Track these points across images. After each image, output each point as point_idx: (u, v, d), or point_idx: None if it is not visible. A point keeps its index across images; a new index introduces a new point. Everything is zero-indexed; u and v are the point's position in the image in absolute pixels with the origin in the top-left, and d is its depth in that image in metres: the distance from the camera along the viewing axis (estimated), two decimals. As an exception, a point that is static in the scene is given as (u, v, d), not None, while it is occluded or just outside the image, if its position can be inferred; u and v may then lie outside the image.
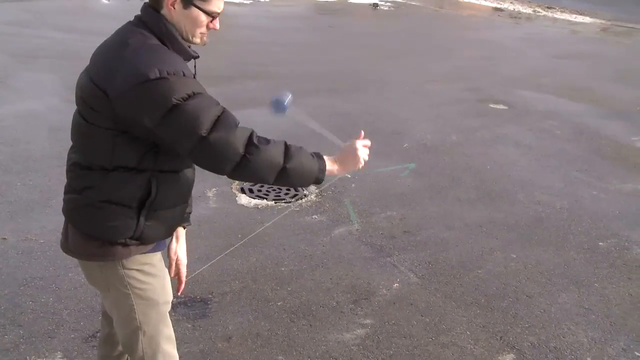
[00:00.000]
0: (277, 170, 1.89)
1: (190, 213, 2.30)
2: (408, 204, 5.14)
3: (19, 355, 3.01)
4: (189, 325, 3.33)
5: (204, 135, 1.79)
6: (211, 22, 1.95)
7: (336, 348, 3.29)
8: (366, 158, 2.15)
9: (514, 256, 4.41)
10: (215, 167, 1.87)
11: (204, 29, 1.95)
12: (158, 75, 1.75)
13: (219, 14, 1.95)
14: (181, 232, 2.33)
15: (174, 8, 1.88)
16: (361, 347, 3.32)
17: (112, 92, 1.80)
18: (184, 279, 2.39)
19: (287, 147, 1.92)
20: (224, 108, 1.87)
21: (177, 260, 2.34)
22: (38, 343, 3.11)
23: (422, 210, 5.05)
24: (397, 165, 5.97)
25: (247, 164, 1.84)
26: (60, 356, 3.03)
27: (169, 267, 2.33)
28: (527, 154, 6.59)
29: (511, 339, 3.49)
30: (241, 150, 1.83)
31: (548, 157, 6.54)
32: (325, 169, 2.02)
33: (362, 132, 2.22)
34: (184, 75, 1.81)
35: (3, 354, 3.01)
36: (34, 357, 3.01)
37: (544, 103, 8.76)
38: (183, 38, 1.94)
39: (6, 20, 11.42)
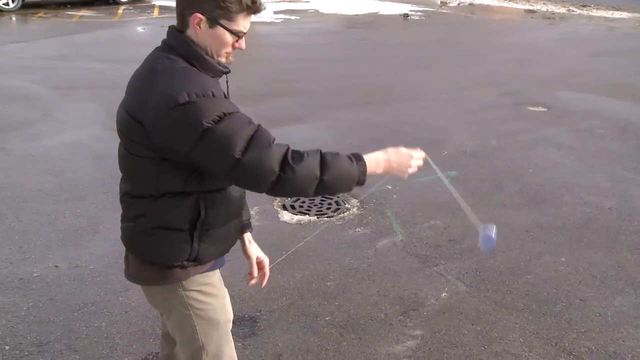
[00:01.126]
0: (315, 184, 1.88)
1: (249, 219, 2.33)
2: (451, 212, 5.08)
3: (76, 380, 3.07)
4: (239, 344, 3.34)
5: (238, 157, 1.78)
6: (237, 41, 1.94)
7: (388, 361, 3.26)
8: (415, 169, 2.11)
9: (564, 259, 4.32)
10: (253, 186, 1.88)
11: (229, 49, 1.94)
12: (187, 99, 1.75)
13: (244, 33, 1.94)
14: (248, 236, 2.35)
15: (200, 27, 1.88)
16: (412, 358, 3.28)
17: (146, 122, 1.81)
18: (267, 272, 2.42)
19: (322, 157, 1.89)
20: (258, 126, 1.85)
21: (256, 259, 2.38)
22: (94, 367, 3.16)
23: (466, 218, 4.92)
24: (438, 174, 5.90)
25: (284, 182, 1.83)
26: (115, 379, 3.08)
27: (250, 268, 2.38)
28: (570, 155, 6.47)
29: (567, 344, 3.40)
30: (277, 169, 1.81)
31: (592, 157, 6.40)
32: (366, 170, 2.00)
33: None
34: (213, 95, 1.80)
35: (61, 379, 3.08)
36: (90, 381, 3.06)
37: (584, 103, 8.60)
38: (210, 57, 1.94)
39: (47, 55, 11.79)
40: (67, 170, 5.88)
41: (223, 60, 1.96)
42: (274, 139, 1.86)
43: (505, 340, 3.44)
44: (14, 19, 16.65)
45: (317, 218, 4.94)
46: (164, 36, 1.99)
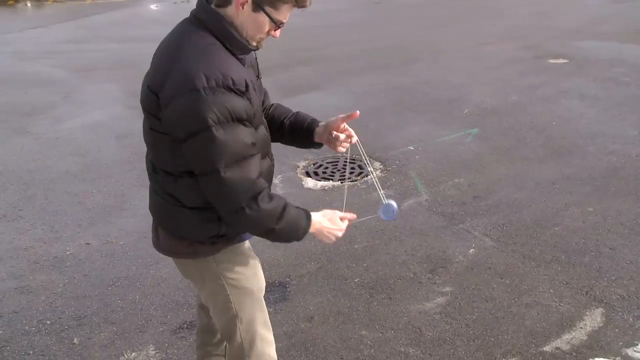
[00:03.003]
0: (264, 230, 1.88)
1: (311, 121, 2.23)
2: (475, 169, 5.06)
3: (116, 350, 3.15)
4: (271, 310, 3.39)
5: (220, 169, 1.74)
6: (274, 30, 1.88)
7: (418, 318, 3.28)
8: (335, 239, 2.07)
9: (592, 209, 4.28)
10: (215, 203, 1.86)
11: (264, 35, 1.88)
12: (206, 84, 1.70)
13: (284, 24, 1.87)
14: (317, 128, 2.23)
15: (242, 8, 1.80)
16: (443, 314, 3.30)
17: (162, 97, 1.78)
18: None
19: (284, 208, 1.87)
20: (255, 152, 1.81)
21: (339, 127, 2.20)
22: (131, 338, 3.24)
23: (490, 174, 4.96)
24: (460, 132, 5.87)
25: (241, 216, 1.81)
26: (152, 349, 3.15)
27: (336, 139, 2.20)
28: (594, 105, 6.35)
29: (598, 293, 3.39)
30: (244, 203, 1.78)
31: (618, 106, 6.28)
32: (307, 232, 1.99)
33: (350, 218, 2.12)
34: (233, 83, 1.73)
35: (102, 349, 3.16)
36: (129, 351, 3.14)
37: (607, 51, 8.41)
38: (241, 36, 1.86)
39: (65, 39, 11.87)
40: (92, 150, 5.96)
41: (254, 44, 1.89)
42: (259, 175, 1.83)
43: (535, 292, 3.44)
44: (29, 5, 16.75)
45: (341, 183, 4.95)
46: (178, 14, 1.90)
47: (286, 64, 8.84)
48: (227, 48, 1.83)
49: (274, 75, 7.84)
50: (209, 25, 1.83)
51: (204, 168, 1.77)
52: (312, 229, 2.00)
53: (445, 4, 13.33)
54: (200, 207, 1.93)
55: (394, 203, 2.18)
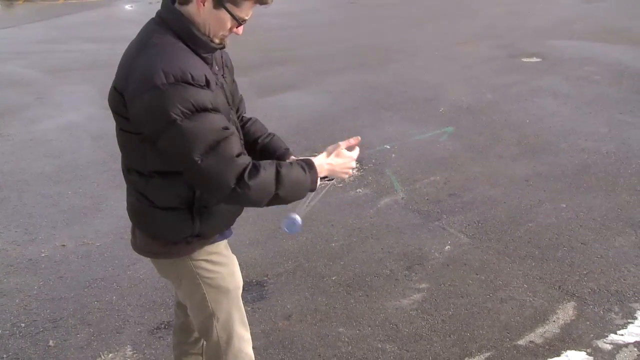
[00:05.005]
0: (269, 198, 1.86)
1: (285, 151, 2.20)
2: (450, 167, 5.11)
3: (93, 351, 3.13)
4: (249, 309, 3.39)
5: (197, 160, 1.74)
6: (236, 27, 1.88)
7: (395, 314, 3.31)
8: (353, 171, 2.05)
9: (564, 206, 4.36)
10: (208, 193, 1.87)
11: (227, 32, 1.88)
12: (164, 80, 1.70)
13: (246, 21, 1.88)
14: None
15: (203, 5, 1.80)
16: (419, 310, 3.34)
17: (126, 96, 1.78)
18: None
19: (278, 173, 1.85)
20: (229, 133, 1.79)
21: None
22: (108, 339, 3.23)
23: (465, 172, 5.01)
24: (435, 131, 5.93)
25: (238, 197, 1.80)
26: (130, 349, 3.14)
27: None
28: (567, 103, 6.46)
29: (570, 287, 3.45)
30: (232, 184, 1.77)
31: (589, 104, 6.39)
32: (317, 178, 1.96)
33: (355, 141, 2.11)
34: (192, 78, 1.73)
35: (79, 351, 3.14)
36: (106, 352, 3.13)
37: (579, 50, 8.55)
38: (203, 34, 1.86)
39: (37, 39, 11.72)
40: (66, 152, 5.90)
41: (217, 41, 1.89)
42: (240, 153, 1.82)
43: (510, 287, 3.49)
44: None
45: (321, 179, 4.96)
46: (154, 13, 1.92)
47: (262, 63, 8.84)
48: (189, 47, 1.83)
49: (249, 75, 7.83)
50: (171, 24, 1.84)
51: (183, 162, 1.77)
52: (323, 173, 1.99)
53: (421, 3, 13.44)
54: (173, 208, 1.93)
55: (298, 218, 2.11)
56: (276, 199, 1.88)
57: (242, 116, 2.24)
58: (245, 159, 1.82)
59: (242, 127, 2.20)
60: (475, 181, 4.83)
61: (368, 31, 10.88)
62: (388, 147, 5.57)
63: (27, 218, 4.59)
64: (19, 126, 6.70)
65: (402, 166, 5.17)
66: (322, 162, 2.00)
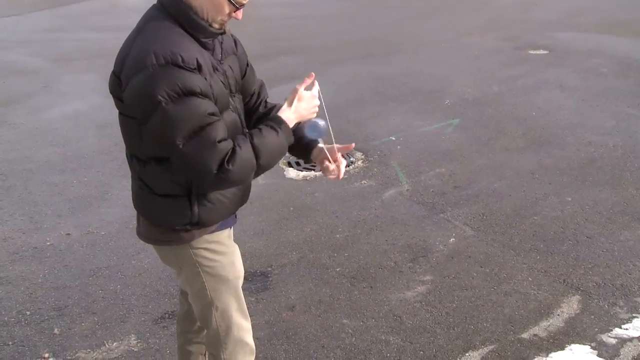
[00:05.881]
0: (253, 172, 1.88)
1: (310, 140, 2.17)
2: (456, 159, 5.10)
3: (97, 340, 3.15)
4: (252, 299, 3.41)
5: (179, 144, 1.74)
6: (235, 11, 1.87)
7: (399, 306, 3.31)
8: (316, 103, 2.03)
9: (570, 199, 4.34)
10: (194, 178, 1.87)
11: (225, 17, 1.88)
12: (154, 61, 1.70)
13: (243, 5, 1.87)
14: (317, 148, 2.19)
15: None
16: (424, 303, 3.34)
17: (122, 79, 1.80)
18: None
19: (252, 145, 1.85)
20: (214, 120, 1.78)
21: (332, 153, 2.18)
22: (112, 328, 3.24)
23: (471, 164, 5.00)
24: (441, 123, 5.91)
25: (219, 181, 1.81)
26: (134, 338, 3.15)
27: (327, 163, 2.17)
28: (573, 96, 6.43)
29: (575, 280, 3.45)
30: (214, 169, 1.77)
31: (596, 97, 6.36)
32: (290, 131, 1.97)
33: (309, 79, 2.05)
34: (182, 61, 1.72)
35: (83, 339, 3.16)
36: (110, 340, 3.14)
37: (586, 42, 8.50)
38: (201, 19, 1.86)
39: (43, 28, 11.70)
40: (72, 140, 5.90)
41: (217, 26, 1.89)
42: (222, 139, 1.79)
43: (514, 280, 3.49)
44: (5, -8, 16.45)
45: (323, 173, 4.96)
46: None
47: (267, 54, 8.80)
48: (187, 32, 1.84)
49: (254, 65, 7.76)
50: (170, 9, 1.85)
51: (166, 146, 1.77)
52: (293, 124, 1.98)
53: (427, -6, 13.36)
54: (170, 195, 1.94)
55: (321, 122, 2.06)
56: (260, 169, 1.90)
57: (266, 101, 2.24)
58: (228, 145, 1.80)
59: (267, 112, 2.18)
60: (481, 174, 4.82)
61: (374, 22, 10.83)
62: (393, 138, 5.56)
63: (32, 206, 4.60)
64: (24, 115, 6.70)
65: (407, 158, 5.16)
66: (288, 115, 1.98)
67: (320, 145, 2.18)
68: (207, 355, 2.41)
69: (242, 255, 2.25)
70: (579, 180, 4.61)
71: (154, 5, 1.92)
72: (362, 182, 4.78)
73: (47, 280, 3.67)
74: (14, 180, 5.06)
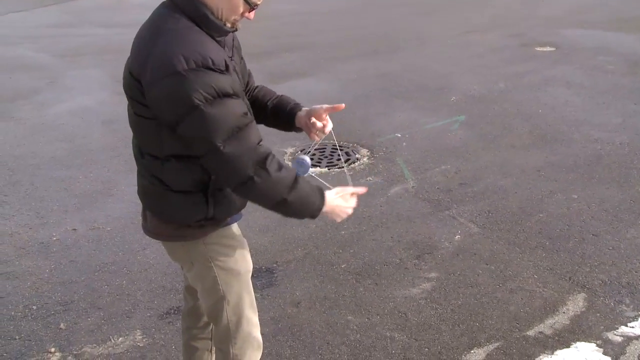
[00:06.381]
0: (279, 198, 1.86)
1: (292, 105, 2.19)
2: (462, 156, 5.09)
3: (103, 335, 3.16)
4: (258, 295, 3.41)
5: (219, 145, 1.73)
6: (250, 11, 1.88)
7: (404, 303, 3.31)
8: (350, 212, 2.06)
9: (576, 196, 4.33)
10: (223, 179, 1.86)
11: (239, 17, 1.88)
12: (185, 66, 1.69)
13: (258, 5, 1.87)
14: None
15: None
16: (429, 300, 3.33)
17: (144, 82, 1.78)
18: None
19: (296, 179, 1.86)
20: (249, 120, 1.80)
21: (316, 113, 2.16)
22: (118, 323, 3.25)
23: (477, 161, 4.99)
24: (446, 119, 5.90)
25: (252, 186, 1.80)
26: (139, 334, 3.16)
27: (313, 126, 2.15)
28: (580, 93, 6.41)
29: (580, 278, 3.44)
30: (251, 172, 1.77)
31: (602, 94, 6.34)
32: (322, 209, 1.97)
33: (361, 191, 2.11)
34: (213, 63, 1.72)
35: (89, 334, 3.17)
36: (116, 336, 3.15)
37: (593, 39, 8.47)
38: (217, 18, 1.86)
39: (50, 23, 11.74)
40: (78, 136, 5.92)
41: (229, 26, 1.89)
42: (261, 140, 1.81)
43: (520, 277, 3.48)
44: (12, -12, 16.49)
45: (329, 169, 4.96)
46: None
47: (272, 50, 8.81)
48: (203, 30, 1.83)
49: (260, 62, 7.81)
50: (184, 8, 1.83)
51: (204, 148, 1.77)
52: (326, 208, 1.99)
53: (433, -9, 13.33)
54: (188, 191, 1.93)
55: (307, 158, 2.05)
56: (283, 205, 1.88)
57: (251, 86, 2.25)
58: (267, 148, 1.82)
59: (250, 97, 2.20)
60: (486, 171, 4.81)
61: (379, 19, 10.82)
62: (399, 135, 5.55)
63: (38, 202, 4.62)
64: (30, 110, 6.72)
65: (413, 155, 5.16)
66: (331, 198, 2.01)
67: (305, 108, 2.17)
68: (213, 352, 2.41)
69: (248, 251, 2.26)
70: (585, 178, 4.59)
71: (164, 3, 1.90)
72: (368, 178, 4.77)
73: (53, 275, 3.69)
74: (20, 175, 5.09)
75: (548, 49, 8.19)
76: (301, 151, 2.18)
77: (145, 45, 1.82)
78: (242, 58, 2.15)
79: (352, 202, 2.10)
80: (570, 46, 8.21)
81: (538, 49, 8.22)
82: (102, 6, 13.22)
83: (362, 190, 2.12)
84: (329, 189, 2.08)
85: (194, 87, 1.70)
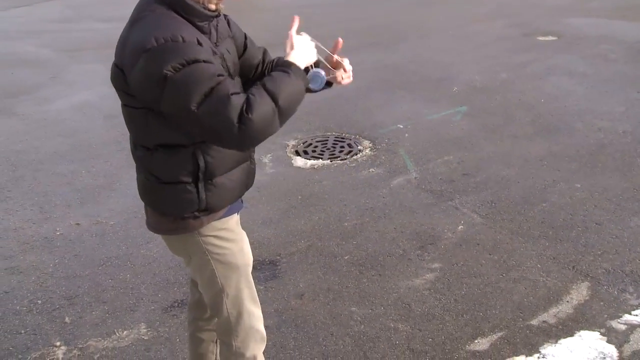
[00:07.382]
0: (275, 118, 1.80)
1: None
2: (464, 146, 5.08)
3: (107, 328, 3.17)
4: (261, 287, 3.41)
5: (194, 109, 1.71)
6: None
7: (408, 294, 3.32)
8: (315, 50, 2.07)
9: (579, 186, 4.32)
10: (216, 140, 1.84)
11: None
12: (154, 44, 1.70)
13: None
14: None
15: None
16: (432, 290, 3.34)
17: (125, 70, 1.80)
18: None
19: (267, 90, 1.79)
20: (221, 79, 1.75)
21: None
22: (122, 317, 3.26)
23: (479, 151, 4.98)
24: (449, 110, 5.88)
25: (246, 134, 1.74)
26: (144, 327, 3.17)
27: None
28: (583, 82, 6.38)
29: (584, 267, 3.44)
30: (235, 121, 1.72)
31: (605, 83, 6.31)
32: (303, 73, 1.93)
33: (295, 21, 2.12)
34: (183, 40, 1.73)
35: (94, 328, 3.18)
36: (120, 329, 3.16)
37: (596, 28, 8.42)
38: (196, 2, 1.85)
39: (51, 18, 11.73)
40: (80, 131, 5.92)
41: (212, 7, 1.89)
42: (235, 92, 1.75)
43: (523, 267, 3.48)
44: (13, -16, 16.46)
45: (331, 161, 4.96)
46: None
47: (275, 43, 8.76)
48: (182, 17, 1.83)
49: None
50: None
51: (180, 117, 1.76)
52: (301, 64, 1.95)
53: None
54: (177, 182, 1.94)
55: (321, 71, 2.08)
56: (283, 114, 1.81)
57: (267, 62, 2.31)
58: (241, 97, 1.76)
59: (274, 67, 2.10)
60: (489, 161, 4.80)
61: (380, 10, 10.77)
62: (401, 126, 5.54)
63: (41, 196, 4.63)
64: (32, 105, 6.73)
65: (415, 146, 5.15)
66: (294, 57, 1.96)
67: (317, 59, 2.16)
68: (218, 343, 2.42)
69: (251, 244, 2.25)
70: (588, 167, 4.58)
71: None
72: (370, 170, 4.77)
73: (58, 270, 3.70)
74: (23, 170, 5.10)
75: (550, 38, 8.16)
76: (315, 66, 2.17)
77: (125, 35, 1.86)
78: (246, 38, 2.19)
79: (301, 37, 2.09)
80: (573, 35, 8.16)
81: (540, 38, 8.18)
82: (104, 1, 13.19)
83: (294, 21, 2.12)
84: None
85: (164, 59, 1.70)
